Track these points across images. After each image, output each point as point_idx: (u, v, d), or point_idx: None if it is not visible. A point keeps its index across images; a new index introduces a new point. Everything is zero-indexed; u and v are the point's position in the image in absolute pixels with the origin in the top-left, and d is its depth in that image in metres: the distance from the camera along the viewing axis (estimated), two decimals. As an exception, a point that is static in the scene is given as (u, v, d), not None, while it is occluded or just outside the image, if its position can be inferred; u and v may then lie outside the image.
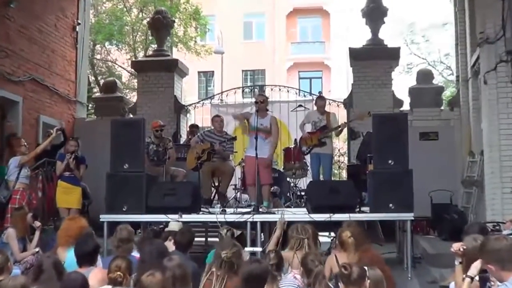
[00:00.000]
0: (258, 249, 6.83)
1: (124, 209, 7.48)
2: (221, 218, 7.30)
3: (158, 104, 13.03)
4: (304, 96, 13.02)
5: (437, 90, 12.98)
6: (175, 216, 7.14)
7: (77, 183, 8.80)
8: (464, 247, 4.00)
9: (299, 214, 7.69)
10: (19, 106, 11.30)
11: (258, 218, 7.30)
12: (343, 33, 30.59)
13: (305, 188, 9.02)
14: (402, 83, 21.49)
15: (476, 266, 3.52)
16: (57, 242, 5.56)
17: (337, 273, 3.75)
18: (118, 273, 4.01)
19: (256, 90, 13.92)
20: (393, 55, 12.65)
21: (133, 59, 19.91)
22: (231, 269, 4.12)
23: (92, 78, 22.20)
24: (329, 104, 11.70)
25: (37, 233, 6.96)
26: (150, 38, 19.99)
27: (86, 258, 4.60)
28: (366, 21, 12.96)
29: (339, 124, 8.97)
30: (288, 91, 13.26)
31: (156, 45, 14.85)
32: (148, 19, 16.32)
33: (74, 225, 5.50)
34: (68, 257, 5.09)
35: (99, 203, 9.15)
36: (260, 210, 7.57)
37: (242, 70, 30.36)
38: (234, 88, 13.47)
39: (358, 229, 5.27)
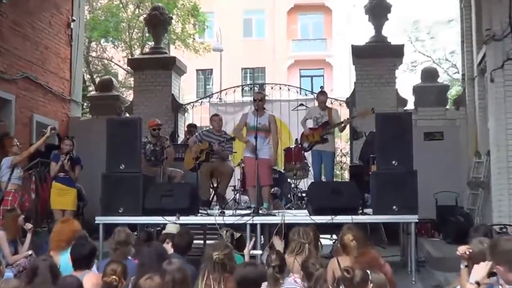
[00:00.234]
0: (258, 252, 6.82)
1: (120, 211, 7.48)
2: (220, 220, 7.30)
3: (155, 103, 13.03)
4: (306, 94, 13.02)
5: (442, 89, 12.98)
6: (173, 218, 7.14)
7: (72, 184, 8.80)
8: (470, 250, 3.99)
9: (300, 216, 7.69)
10: (12, 105, 11.29)
11: (258, 220, 7.30)
12: (345, 30, 30.58)
13: (306, 189, 9.01)
14: (406, 81, 21.44)
15: (481, 271, 3.49)
16: (49, 246, 5.56)
17: (339, 277, 3.75)
18: (114, 277, 4.01)
19: (256, 88, 13.89)
20: (397, 52, 12.64)
21: (130, 57, 19.90)
22: (224, 271, 4.10)
23: (87, 76, 22.20)
24: (331, 103, 11.72)
25: (29, 236, 6.95)
26: (147, 35, 20.00)
27: (83, 261, 4.60)
28: (369, 18, 12.96)
29: (342, 120, 8.96)
30: (288, 89, 13.27)
31: (153, 43, 14.85)
32: (145, 16, 16.31)
33: (66, 228, 5.50)
34: (61, 260, 5.09)
35: (94, 204, 9.17)
36: (260, 212, 7.57)
37: (242, 68, 30.36)
38: (234, 87, 13.47)
39: (359, 232, 5.27)
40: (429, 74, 13.04)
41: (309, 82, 29.36)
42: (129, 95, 20.20)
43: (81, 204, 10.07)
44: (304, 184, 10.07)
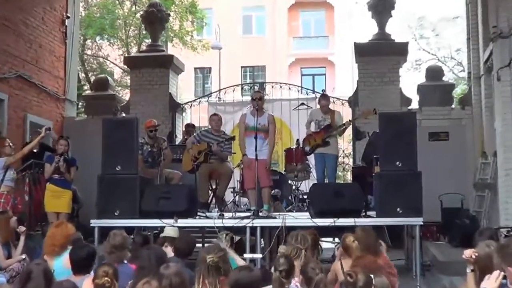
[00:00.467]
0: (258, 255, 6.82)
1: (116, 214, 7.48)
2: (218, 223, 7.29)
3: (152, 102, 13.03)
4: (307, 94, 13.03)
5: (448, 88, 12.98)
6: (170, 221, 7.14)
7: (67, 186, 8.79)
8: (476, 254, 3.99)
9: (301, 218, 7.69)
10: (5, 104, 11.29)
11: (258, 223, 7.29)
12: (347, 27, 30.60)
13: (308, 191, 9.01)
14: (410, 80, 21.48)
15: (492, 280, 3.48)
16: (43, 250, 5.56)
17: (342, 281, 3.75)
18: (106, 278, 4.02)
19: (256, 87, 13.91)
20: (401, 50, 12.65)
21: (126, 55, 19.92)
22: (219, 274, 4.10)
23: (82, 75, 22.20)
24: (333, 102, 11.71)
25: (22, 239, 6.95)
26: (144, 32, 20.01)
27: (82, 265, 4.60)
28: (372, 15, 12.96)
29: (344, 122, 8.96)
30: (289, 88, 13.27)
31: (150, 40, 14.86)
32: (141, 13, 16.32)
33: (60, 232, 5.50)
34: (55, 265, 5.09)
35: (89, 207, 9.16)
36: (260, 214, 7.57)
37: (241, 67, 30.37)
38: (233, 86, 13.47)
39: (369, 233, 5.30)
40: (434, 73, 13.04)
41: (310, 81, 29.38)
42: (125, 94, 20.24)
43: (76, 206, 10.07)
44: (305, 186, 10.07)
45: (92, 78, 20.24)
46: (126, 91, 21.59)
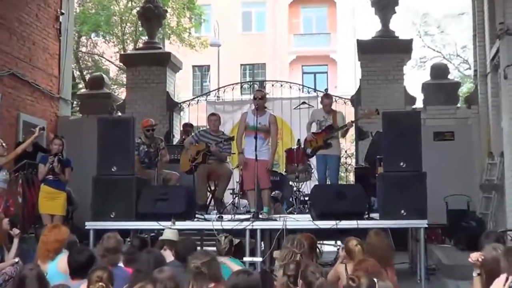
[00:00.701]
0: (258, 259, 6.83)
1: (112, 216, 7.48)
2: (217, 225, 7.30)
3: (149, 101, 13.03)
4: (308, 92, 13.03)
5: (453, 86, 12.99)
6: (168, 223, 7.14)
7: (61, 188, 8.79)
8: (483, 257, 3.99)
9: (302, 221, 7.69)
10: (-3, 103, 11.30)
11: (258, 225, 7.30)
12: (350, 24, 30.61)
13: (309, 192, 9.01)
14: (414, 78, 21.49)
15: (500, 284, 3.48)
16: (36, 254, 5.55)
17: (344, 285, 3.75)
18: (100, 283, 4.02)
19: (256, 85, 13.92)
20: (405, 48, 12.65)
21: (122, 52, 19.91)
22: (204, 281, 4.08)
23: (77, 73, 22.19)
24: (335, 101, 11.69)
25: (16, 242, 6.94)
26: (140, 29, 19.98)
27: (80, 269, 4.61)
28: (376, 11, 12.96)
29: (346, 123, 8.96)
30: (290, 87, 13.27)
31: (146, 37, 14.85)
32: (138, 9, 16.31)
33: (54, 236, 5.48)
34: (49, 269, 5.09)
35: (84, 209, 9.15)
36: (260, 216, 7.57)
37: (241, 64, 30.37)
38: (232, 84, 13.48)
39: (384, 239, 5.32)
40: (439, 71, 13.05)
41: (312, 79, 29.38)
42: (121, 93, 20.21)
43: (71, 208, 10.07)
44: (307, 187, 10.07)
45: (87, 76, 20.24)
46: (122, 90, 21.58)
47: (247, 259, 6.67)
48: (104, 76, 15.22)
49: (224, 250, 5.93)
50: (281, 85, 13.06)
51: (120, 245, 5.38)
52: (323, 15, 32.07)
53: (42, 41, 12.97)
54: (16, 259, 6.72)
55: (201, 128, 10.02)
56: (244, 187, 8.36)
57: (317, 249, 5.74)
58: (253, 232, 7.27)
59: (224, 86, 13.52)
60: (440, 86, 12.51)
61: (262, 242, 7.56)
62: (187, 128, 11.55)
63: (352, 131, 12.32)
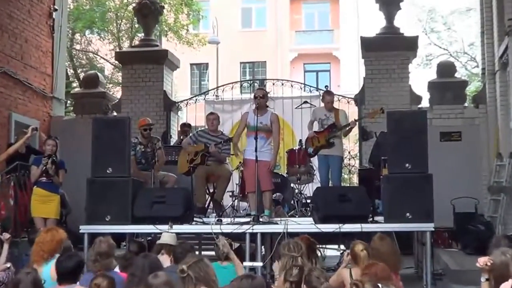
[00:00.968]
0: (259, 264, 6.83)
1: (107, 219, 7.48)
2: (216, 229, 7.29)
3: (145, 100, 13.04)
4: (310, 91, 13.02)
5: (460, 85, 12.99)
6: (165, 227, 7.13)
7: (55, 190, 8.79)
8: (491, 262, 3.99)
9: (304, 224, 7.69)
10: (-12, 103, 11.31)
11: (259, 229, 7.30)
12: (354, 20, 30.63)
13: (311, 195, 9.01)
14: (420, 76, 21.50)
15: (510, 287, 3.49)
16: (31, 258, 5.55)
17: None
18: None
19: (256, 84, 13.92)
20: (411, 45, 12.65)
21: (117, 50, 19.91)
22: (190, 284, 4.05)
23: (71, 71, 22.21)
24: (339, 100, 11.72)
25: (6, 247, 6.92)
26: (136, 26, 20.04)
27: (68, 275, 4.60)
28: (380, 7, 12.97)
29: (349, 122, 8.95)
30: (292, 85, 13.27)
31: (143, 34, 14.85)
32: (134, 5, 16.31)
33: (50, 238, 5.49)
34: (44, 273, 5.09)
35: (78, 212, 9.15)
36: (261, 220, 7.57)
37: (240, 62, 30.39)
38: (231, 83, 13.46)
39: (390, 244, 5.32)
40: (446, 69, 13.05)
41: (314, 78, 29.40)
42: (116, 92, 20.21)
43: (64, 212, 10.07)
44: (309, 190, 10.07)
45: (81, 75, 20.26)
46: (117, 89, 21.57)
47: (247, 264, 6.66)
48: (99, 74, 15.21)
49: (223, 255, 5.94)
50: (282, 84, 13.06)
51: (113, 250, 5.38)
52: (325, 11, 32.09)
53: (35, 38, 12.97)
54: (8, 264, 6.71)
55: (200, 128, 10.02)
56: (246, 189, 8.36)
57: (317, 251, 5.73)
58: (253, 236, 7.26)
59: (223, 85, 13.51)
60: (447, 84, 12.51)
61: (262, 247, 7.55)
62: (185, 128, 11.55)
63: (355, 131, 12.35)
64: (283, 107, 12.05)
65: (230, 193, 10.14)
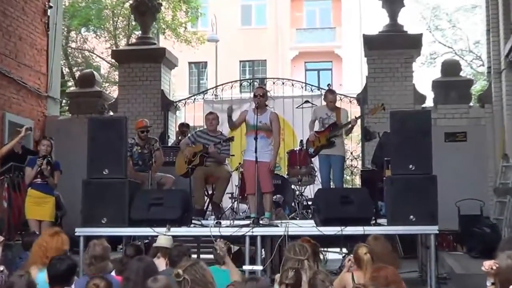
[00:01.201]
0: (259, 267, 6.83)
1: (103, 222, 7.48)
2: (215, 231, 7.29)
3: (142, 100, 13.04)
4: (311, 90, 13.03)
5: (466, 84, 12.99)
6: (163, 230, 7.14)
7: (50, 192, 8.79)
8: (497, 266, 3.99)
9: (305, 227, 7.69)
10: (-19, 102, 11.31)
11: (258, 231, 7.29)
12: (356, 18, 30.62)
13: (313, 197, 9.01)
14: (424, 75, 21.50)
15: None
16: (30, 259, 5.54)
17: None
18: None
19: (256, 83, 13.91)
20: (415, 43, 12.66)
21: (114, 48, 19.92)
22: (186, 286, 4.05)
23: (66, 70, 22.21)
24: (341, 99, 11.72)
25: (-1, 249, 6.95)
26: (133, 23, 20.01)
27: (60, 278, 4.61)
28: (383, 4, 12.97)
29: (349, 120, 8.94)
30: (292, 84, 13.28)
31: (140, 32, 14.86)
32: (130, 2, 16.33)
33: (55, 243, 5.46)
34: (39, 277, 5.09)
35: (74, 214, 9.15)
36: (261, 222, 7.57)
37: (240, 61, 30.39)
38: (231, 82, 13.47)
39: (384, 244, 5.30)
40: (451, 67, 13.05)
41: (315, 77, 29.39)
42: (113, 91, 20.24)
43: (60, 214, 10.06)
44: (310, 191, 10.07)
45: (77, 74, 20.25)
46: (114, 88, 21.60)
47: (246, 267, 6.67)
48: (95, 73, 15.23)
49: (222, 259, 5.94)
50: (283, 83, 13.06)
51: (108, 252, 5.39)
52: (327, 9, 32.09)
53: (29, 36, 12.97)
54: (1, 268, 6.71)
55: (198, 128, 10.02)
56: (246, 191, 8.36)
57: (320, 254, 5.73)
58: (253, 238, 7.26)
59: (222, 84, 13.52)
60: (452, 83, 12.51)
61: (262, 250, 7.55)
62: (183, 128, 11.56)
63: (358, 131, 12.36)
64: (283, 107, 12.05)
65: (230, 195, 10.14)
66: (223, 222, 8.13)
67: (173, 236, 7.01)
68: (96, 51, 23.90)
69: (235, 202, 10.01)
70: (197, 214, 8.43)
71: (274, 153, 7.98)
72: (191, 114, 13.21)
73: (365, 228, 7.03)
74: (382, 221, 7.68)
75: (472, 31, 26.82)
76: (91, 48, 24.04)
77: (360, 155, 13.18)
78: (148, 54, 13.36)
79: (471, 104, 12.66)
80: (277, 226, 7.64)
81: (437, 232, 7.25)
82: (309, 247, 5.28)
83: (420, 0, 27.37)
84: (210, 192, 9.21)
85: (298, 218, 9.13)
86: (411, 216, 7.16)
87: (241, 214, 9.71)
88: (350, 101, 12.53)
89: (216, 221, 8.25)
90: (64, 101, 17.50)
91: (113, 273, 5.36)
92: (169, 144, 12.20)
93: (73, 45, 23.86)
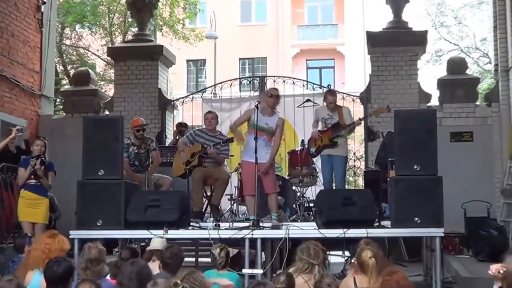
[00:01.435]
0: (259, 271, 6.83)
1: (98, 224, 7.47)
2: (214, 234, 7.29)
3: (139, 98, 13.04)
4: (313, 89, 13.02)
5: (472, 82, 12.99)
6: (160, 232, 7.14)
7: (44, 194, 8.79)
8: (504, 269, 3.99)
9: (307, 229, 7.69)
10: (-27, 101, 11.31)
11: (259, 234, 7.29)
12: (359, 14, 30.64)
13: (314, 198, 9.01)
14: (429, 73, 21.51)
15: None
16: (29, 262, 5.53)
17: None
18: None
19: (256, 81, 13.90)
20: (419, 40, 12.66)
21: (109, 45, 19.93)
22: None
23: (60, 68, 22.23)
24: (343, 98, 11.74)
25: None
26: (130, 20, 20.04)
27: (57, 281, 4.61)
28: (387, 0, 12.97)
29: (353, 120, 8.95)
30: (294, 83, 13.27)
31: (136, 29, 14.86)
32: (127, -2, 16.34)
33: (57, 245, 5.46)
34: (33, 280, 5.09)
35: (68, 216, 9.16)
36: (261, 224, 7.57)
37: (239, 59, 30.41)
38: (230, 80, 13.47)
39: (378, 248, 5.28)
40: (457, 65, 13.05)
41: (317, 75, 29.43)
42: (109, 90, 20.24)
43: (54, 216, 10.07)
44: (311, 193, 10.06)
45: (72, 72, 20.26)
46: (109, 86, 21.61)
47: (246, 271, 6.67)
48: (90, 71, 15.23)
49: (220, 264, 5.94)
50: (284, 81, 13.05)
51: (103, 255, 5.39)
52: (329, 5, 32.10)
53: (22, 33, 12.97)
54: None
55: (196, 128, 10.02)
56: (243, 192, 8.36)
57: (327, 260, 5.74)
58: (253, 241, 7.26)
59: (221, 82, 13.51)
60: (458, 82, 12.52)
61: (263, 253, 7.55)
62: (181, 128, 11.56)
63: (361, 131, 12.35)
64: (284, 106, 11.97)
65: (229, 197, 10.14)
66: (222, 225, 8.12)
67: (171, 239, 7.01)
68: (91, 49, 23.91)
69: (235, 204, 10.01)
70: (195, 216, 8.43)
71: (270, 156, 7.98)
72: (189, 113, 13.21)
73: (368, 230, 7.02)
74: (386, 223, 7.67)
75: (479, 28, 26.88)
76: (86, 45, 24.06)
77: (363, 155, 13.18)
78: (145, 51, 13.36)
79: (477, 103, 12.66)
80: (278, 228, 7.63)
81: (443, 234, 7.24)
82: (322, 253, 5.28)
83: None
84: (208, 193, 9.21)
85: (299, 220, 9.12)
86: (416, 218, 7.15)
87: (240, 216, 9.70)
88: (353, 100, 12.52)
89: (215, 223, 8.24)
90: (58, 100, 17.51)
91: (108, 277, 5.36)
92: (167, 144, 12.21)
93: (68, 42, 23.87)
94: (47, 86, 13.81)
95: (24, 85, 12.88)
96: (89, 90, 13.84)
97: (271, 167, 7.98)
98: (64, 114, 14.17)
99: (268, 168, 7.89)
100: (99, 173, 7.60)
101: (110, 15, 22.87)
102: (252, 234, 7.24)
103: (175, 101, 13.68)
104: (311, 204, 9.80)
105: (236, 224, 8.01)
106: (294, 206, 10.06)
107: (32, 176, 8.66)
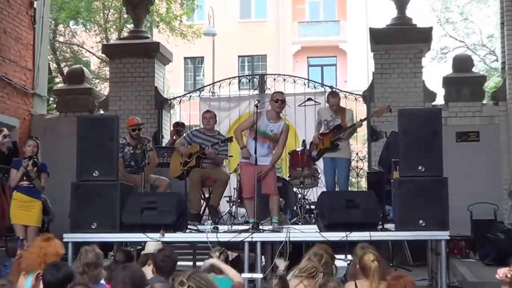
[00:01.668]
0: (258, 275, 6.83)
1: (93, 227, 7.48)
2: (212, 237, 7.30)
3: (135, 97, 13.04)
4: (314, 87, 13.03)
5: (478, 80, 13.00)
6: (156, 235, 7.14)
7: (37, 196, 8.78)
8: (512, 273, 4.00)
9: (308, 232, 7.68)
10: (-36, 100, 11.31)
11: (258, 237, 7.29)
12: (362, 10, 30.65)
13: (316, 200, 9.01)
14: (435, 71, 21.52)
15: None
16: (23, 264, 5.53)
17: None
18: None
19: (255, 80, 13.89)
20: (424, 37, 12.66)
21: (104, 42, 19.92)
22: None
23: (53, 66, 22.23)
24: (345, 97, 11.72)
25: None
26: (125, 16, 20.03)
27: (56, 286, 4.61)
28: (391, -5, 13.00)
29: (354, 122, 8.95)
30: (294, 81, 13.27)
31: (132, 25, 14.86)
32: (122, -7, 16.34)
33: (53, 249, 5.45)
34: (26, 285, 5.09)
35: (62, 219, 9.15)
36: (260, 227, 7.57)
37: (239, 56, 30.41)
38: (229, 78, 13.48)
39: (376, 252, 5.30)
40: (462, 63, 13.06)
41: (319, 73, 29.43)
42: (104, 88, 20.24)
43: (47, 219, 10.07)
44: (313, 194, 10.07)
45: (65, 70, 20.26)
46: (104, 85, 21.61)
47: (246, 275, 6.66)
48: (85, 69, 15.23)
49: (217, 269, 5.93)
50: (284, 80, 13.05)
51: (101, 259, 5.38)
52: (331, 0, 32.12)
53: (14, 29, 12.96)
54: (-16, 277, 6.72)
55: (194, 128, 10.02)
56: (242, 194, 8.37)
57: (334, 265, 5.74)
58: (252, 245, 7.26)
59: (220, 81, 13.51)
60: (464, 80, 12.52)
61: (262, 256, 7.55)
62: (178, 127, 11.56)
63: (364, 131, 12.35)
64: (285, 105, 12.04)
65: (228, 199, 10.14)
66: (221, 227, 8.11)
67: (168, 242, 7.01)
68: (86, 46, 23.90)
69: (234, 206, 10.02)
70: (193, 218, 8.43)
71: (271, 162, 8.01)
72: (187, 113, 13.22)
73: (371, 233, 7.02)
74: (390, 226, 7.68)
75: (485, 24, 26.87)
76: (80, 42, 24.05)
77: (366, 156, 13.18)
78: (141, 48, 13.36)
79: (484, 101, 12.66)
80: (278, 231, 7.63)
81: (448, 238, 7.25)
82: (331, 262, 5.28)
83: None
84: (206, 195, 9.21)
85: (300, 223, 9.13)
86: (421, 221, 7.16)
87: (239, 218, 9.71)
88: (356, 99, 12.53)
89: (213, 226, 8.24)
90: (51, 98, 17.50)
91: (102, 281, 5.36)
92: (163, 144, 12.20)
93: (61, 39, 23.86)
94: (40, 84, 13.81)
95: (16, 84, 12.88)
96: (83, 88, 13.84)
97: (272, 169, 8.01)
98: (58, 113, 14.16)
99: (268, 170, 7.91)
100: (94, 174, 7.61)
101: (105, 11, 22.87)
102: (252, 238, 7.24)
103: (172, 100, 13.68)
104: (313, 206, 9.79)
105: (235, 227, 8.02)
106: (295, 208, 10.07)
107: (25, 178, 8.65)
